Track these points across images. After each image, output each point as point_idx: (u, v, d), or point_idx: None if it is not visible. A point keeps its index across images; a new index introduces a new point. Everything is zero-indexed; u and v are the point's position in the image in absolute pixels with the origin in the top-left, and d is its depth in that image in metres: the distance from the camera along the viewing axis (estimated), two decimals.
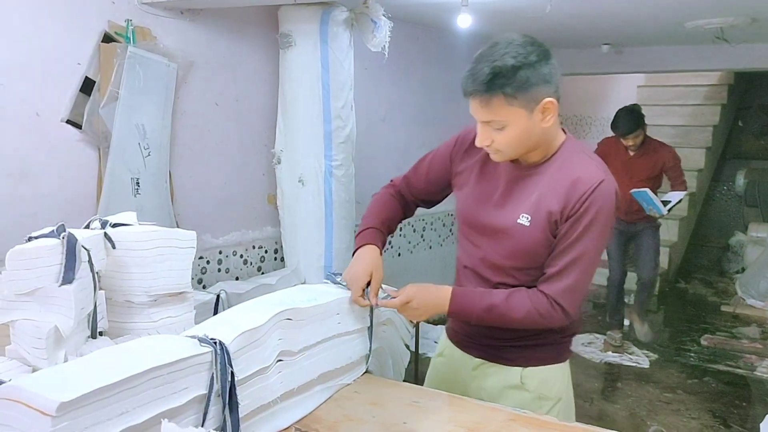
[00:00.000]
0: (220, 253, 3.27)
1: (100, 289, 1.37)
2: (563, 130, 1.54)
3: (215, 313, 2.67)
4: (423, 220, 4.58)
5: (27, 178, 2.49)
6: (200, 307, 2.70)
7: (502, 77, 1.36)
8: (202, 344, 1.10)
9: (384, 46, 3.20)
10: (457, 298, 1.51)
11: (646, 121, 4.38)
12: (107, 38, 2.65)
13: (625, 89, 7.66)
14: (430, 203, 1.80)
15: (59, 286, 1.20)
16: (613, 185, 1.45)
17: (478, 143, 1.49)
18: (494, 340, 1.59)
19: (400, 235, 4.43)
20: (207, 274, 3.22)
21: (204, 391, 1.08)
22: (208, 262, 3.22)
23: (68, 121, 2.58)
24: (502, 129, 1.41)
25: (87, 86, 2.61)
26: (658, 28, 4.49)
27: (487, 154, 1.55)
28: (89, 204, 2.68)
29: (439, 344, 1.81)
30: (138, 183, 2.79)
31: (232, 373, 1.11)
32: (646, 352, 4.59)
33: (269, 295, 1.37)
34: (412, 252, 4.55)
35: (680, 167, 4.49)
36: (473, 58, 1.44)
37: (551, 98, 1.40)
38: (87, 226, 1.44)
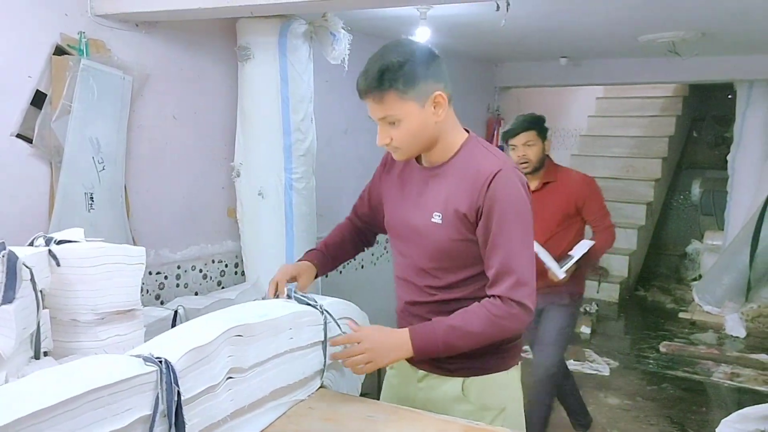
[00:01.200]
0: (179, 267, 3.22)
1: (45, 308, 1.34)
2: (466, 130, 1.62)
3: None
4: None
5: None
6: (157, 324, 2.66)
7: (391, 72, 1.45)
8: (147, 363, 1.07)
9: (344, 58, 3.21)
10: (417, 333, 1.50)
11: (549, 135, 3.20)
12: (59, 51, 2.60)
13: (585, 101, 7.82)
14: (381, 229, 1.84)
15: None
16: (511, 172, 1.50)
17: (378, 142, 1.56)
18: None
19: None
20: (165, 290, 3.16)
21: (149, 411, 1.06)
22: (166, 277, 3.16)
23: (18, 135, 2.52)
24: (397, 124, 1.50)
25: (38, 99, 2.55)
26: (613, 42, 4.59)
27: (403, 165, 1.65)
28: (41, 220, 2.62)
29: None
30: (92, 198, 2.73)
31: (179, 392, 1.08)
32: (607, 359, 4.66)
33: (220, 311, 1.35)
34: (375, 264, 4.55)
35: (603, 205, 3.19)
36: (365, 65, 1.53)
37: (441, 92, 1.50)
38: (31, 244, 1.40)
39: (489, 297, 1.49)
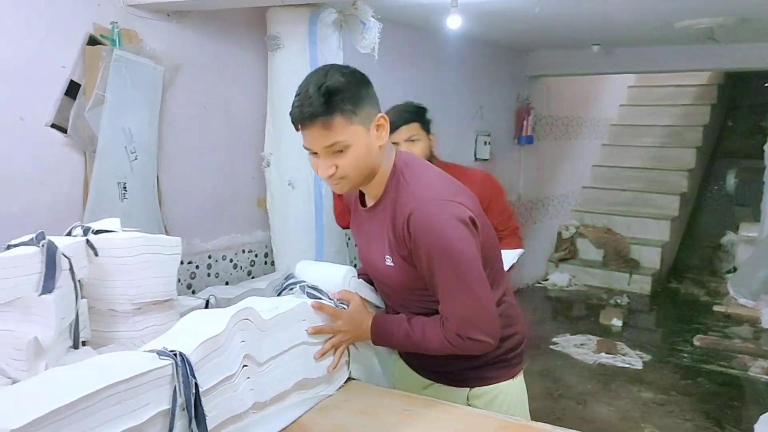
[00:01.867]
0: (210, 257, 3.23)
1: (83, 297, 1.34)
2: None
3: None
4: None
5: (10, 183, 2.44)
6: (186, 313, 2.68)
7: (339, 93, 1.34)
8: (161, 357, 1.06)
9: (374, 47, 3.17)
10: (378, 326, 1.53)
11: (433, 129, 2.69)
12: (92, 41, 2.61)
13: (616, 90, 7.68)
14: None
15: (39, 295, 1.16)
16: (425, 207, 1.39)
17: (322, 174, 1.43)
18: (442, 359, 1.57)
19: None
20: (196, 279, 3.18)
21: (167, 405, 1.04)
22: (197, 266, 3.18)
23: (53, 125, 2.54)
24: (345, 152, 1.38)
25: (72, 90, 2.57)
26: (648, 29, 4.49)
27: (355, 205, 1.60)
28: (75, 210, 2.64)
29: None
30: (125, 187, 2.75)
31: (196, 384, 1.07)
32: (639, 353, 4.59)
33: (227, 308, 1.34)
34: None
35: (507, 205, 2.76)
36: (296, 95, 1.41)
37: (383, 114, 1.44)
38: (69, 234, 1.41)
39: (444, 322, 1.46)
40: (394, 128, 2.36)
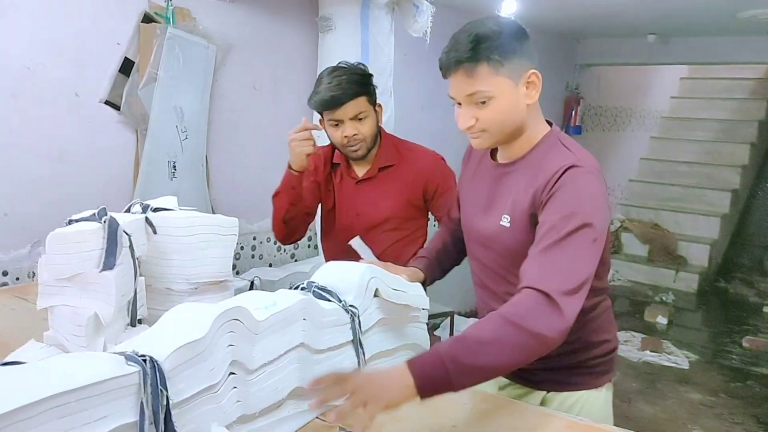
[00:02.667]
0: (254, 239, 3.23)
1: (140, 275, 1.33)
2: (549, 122, 1.42)
3: None
4: None
5: (65, 159, 2.47)
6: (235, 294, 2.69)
7: (487, 41, 1.26)
8: (129, 363, 0.90)
9: (426, 31, 3.11)
10: (416, 364, 1.10)
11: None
12: (147, 18, 2.61)
13: (668, 81, 7.46)
14: None
15: (100, 271, 1.15)
16: (589, 170, 1.27)
17: (461, 125, 1.34)
18: None
19: None
20: (241, 260, 3.18)
21: (131, 419, 0.89)
22: (242, 247, 3.18)
23: (107, 102, 2.55)
24: (487, 103, 1.30)
25: (126, 67, 2.58)
26: (708, 18, 4.32)
27: (477, 164, 1.49)
28: (126, 186, 2.66)
29: None
30: (175, 166, 2.76)
31: (167, 396, 0.92)
32: (686, 352, 4.46)
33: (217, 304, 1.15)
34: None
35: (456, 196, 2.04)
36: (450, 40, 1.34)
37: (535, 70, 1.31)
38: (127, 210, 1.39)
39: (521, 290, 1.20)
40: (337, 104, 1.91)
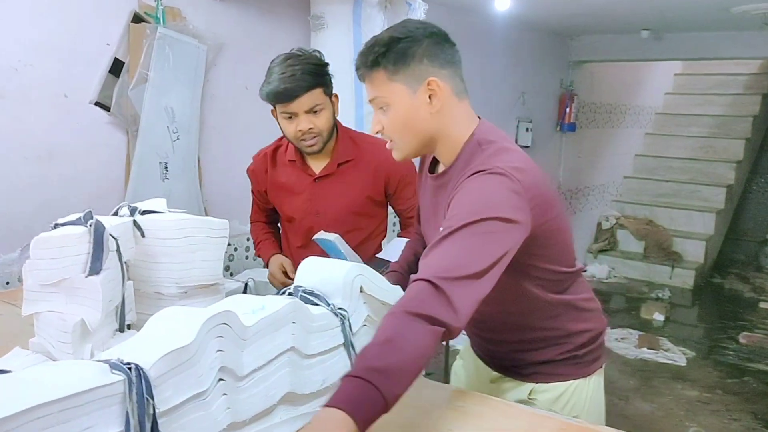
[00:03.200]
0: (248, 240, 3.20)
1: (129, 279, 1.30)
2: (479, 118, 1.37)
3: None
4: None
5: (54, 160, 2.44)
6: (228, 296, 2.66)
7: (380, 46, 1.27)
8: (114, 371, 0.87)
9: None
10: (337, 396, 0.98)
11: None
12: (137, 18, 2.58)
13: (661, 77, 7.45)
14: None
15: (86, 276, 1.12)
16: (496, 170, 1.20)
17: (371, 129, 1.37)
18: (512, 352, 1.48)
19: None
20: (234, 262, 3.16)
21: (116, 429, 0.86)
22: (235, 249, 3.16)
23: (97, 103, 2.53)
24: (385, 110, 1.30)
25: (116, 67, 2.55)
26: (702, 13, 4.31)
27: (423, 175, 1.48)
28: (117, 188, 2.63)
29: (462, 347, 1.71)
30: (166, 167, 2.73)
31: (154, 405, 0.89)
32: (682, 349, 4.45)
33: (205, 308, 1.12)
34: None
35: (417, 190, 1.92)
36: None
37: (436, 77, 1.26)
38: (115, 213, 1.37)
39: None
40: (290, 96, 1.82)
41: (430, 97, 1.27)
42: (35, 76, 2.34)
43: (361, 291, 1.34)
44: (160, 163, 2.71)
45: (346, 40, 3.07)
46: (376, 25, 3.10)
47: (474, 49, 4.39)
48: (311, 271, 1.36)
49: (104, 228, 1.15)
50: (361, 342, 1.33)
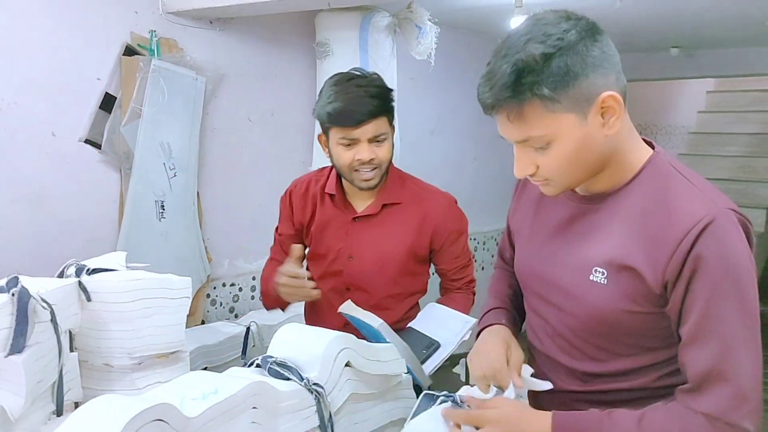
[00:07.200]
0: (254, 279, 3.03)
1: (75, 350, 1.13)
2: (649, 143, 1.09)
3: (245, 347, 2.43)
4: (475, 239, 4.26)
5: (44, 202, 2.31)
6: (229, 342, 2.48)
7: (531, 73, 0.94)
8: None
9: (430, 53, 2.93)
10: (563, 421, 1.02)
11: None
12: (129, 51, 2.47)
13: (693, 95, 7.19)
14: None
15: (5, 356, 0.95)
16: (729, 219, 0.97)
17: (517, 173, 1.06)
18: None
19: None
20: (239, 302, 3.00)
21: None
22: (240, 289, 3.00)
23: (87, 141, 2.40)
24: (546, 148, 1.00)
25: (107, 103, 2.43)
26: (736, 28, 4.07)
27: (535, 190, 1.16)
28: (111, 229, 2.50)
29: None
30: (163, 206, 2.59)
31: None
32: None
33: (145, 394, 0.99)
34: None
35: (468, 248, 1.89)
36: (487, 65, 1.00)
37: (611, 92, 0.97)
38: (61, 274, 1.21)
39: (686, 407, 0.99)
40: (355, 121, 1.61)
41: (602, 115, 0.99)
42: (21, 114, 2.22)
43: (348, 365, 1.15)
44: (156, 201, 2.56)
45: (352, 66, 2.91)
46: (385, 50, 2.95)
47: None
48: (288, 339, 1.19)
49: (29, 296, 0.98)
50: (343, 423, 1.14)
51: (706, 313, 0.96)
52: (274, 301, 1.88)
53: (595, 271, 1.04)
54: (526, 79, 0.94)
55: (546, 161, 1.01)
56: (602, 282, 1.04)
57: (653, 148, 1.09)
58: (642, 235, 1.01)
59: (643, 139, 1.10)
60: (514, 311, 1.31)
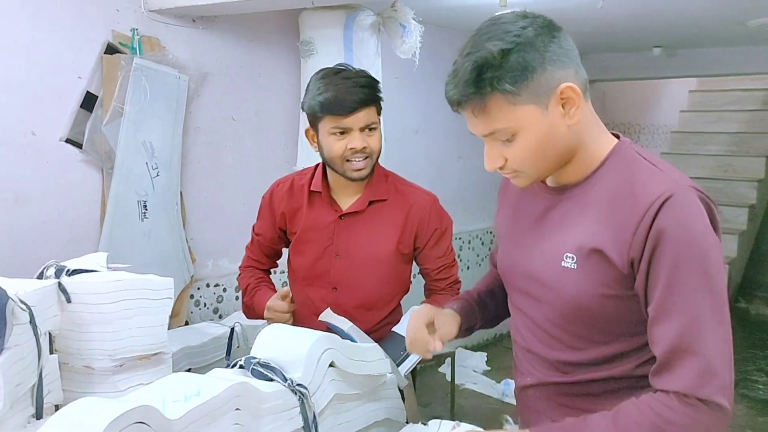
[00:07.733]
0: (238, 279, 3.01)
1: (54, 352, 1.12)
2: (616, 135, 1.13)
3: (229, 348, 2.40)
4: (460, 238, 4.27)
5: (23, 203, 2.28)
6: (213, 342, 2.45)
7: (491, 69, 0.98)
8: None
9: (415, 52, 2.92)
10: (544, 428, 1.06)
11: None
12: (111, 49, 2.44)
13: (676, 94, 7.24)
14: None
15: None
16: (689, 194, 1.00)
17: (487, 166, 1.10)
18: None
19: None
20: (223, 303, 2.97)
21: None
22: (224, 289, 2.97)
23: (68, 140, 2.37)
24: (512, 140, 1.04)
25: (88, 102, 2.40)
26: (716, 28, 4.11)
27: (519, 187, 1.19)
28: (92, 230, 2.47)
29: None
30: (145, 206, 2.56)
31: None
32: None
33: (126, 396, 0.96)
34: None
35: (452, 247, 1.88)
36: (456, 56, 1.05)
37: (569, 83, 1.01)
38: (41, 275, 1.19)
39: (656, 391, 1.00)
40: (348, 109, 1.62)
41: (563, 106, 1.03)
42: (0, 113, 2.19)
43: (332, 366, 1.15)
44: (138, 201, 2.54)
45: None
46: (370, 49, 2.94)
47: None
48: (271, 340, 1.18)
49: (8, 299, 0.96)
50: (327, 423, 1.13)
51: (669, 287, 0.98)
52: (256, 316, 1.91)
53: (566, 257, 1.07)
54: (487, 74, 0.99)
55: (513, 153, 1.06)
56: (573, 267, 1.06)
57: (619, 138, 1.13)
58: (609, 218, 1.03)
59: (612, 133, 1.13)
60: (478, 305, 1.37)
